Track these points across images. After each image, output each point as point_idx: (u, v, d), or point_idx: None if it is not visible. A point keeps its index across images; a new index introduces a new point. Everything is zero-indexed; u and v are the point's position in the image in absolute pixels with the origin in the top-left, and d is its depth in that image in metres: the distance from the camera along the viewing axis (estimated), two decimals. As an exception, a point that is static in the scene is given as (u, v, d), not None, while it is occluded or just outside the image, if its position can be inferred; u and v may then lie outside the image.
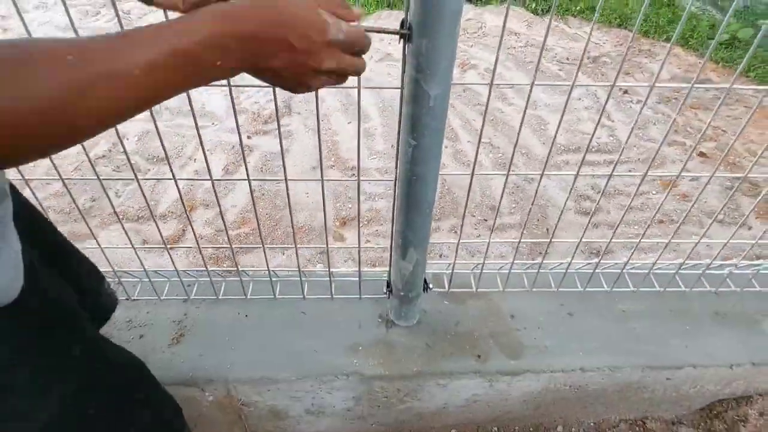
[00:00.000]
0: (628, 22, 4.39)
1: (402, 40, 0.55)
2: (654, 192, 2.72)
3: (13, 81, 0.32)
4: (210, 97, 3.35)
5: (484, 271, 0.95)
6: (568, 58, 3.99)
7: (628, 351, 0.89)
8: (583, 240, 2.52)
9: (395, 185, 0.71)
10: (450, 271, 0.96)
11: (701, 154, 2.97)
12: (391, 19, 4.66)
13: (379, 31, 0.54)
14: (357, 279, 0.99)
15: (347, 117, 3.21)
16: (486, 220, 2.52)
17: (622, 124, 3.23)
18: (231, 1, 0.43)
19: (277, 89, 0.52)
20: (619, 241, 2.18)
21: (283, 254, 2.27)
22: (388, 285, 0.95)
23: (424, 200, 0.70)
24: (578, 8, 4.60)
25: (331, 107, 3.30)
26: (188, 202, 2.50)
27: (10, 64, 0.32)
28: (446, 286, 0.98)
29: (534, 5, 4.65)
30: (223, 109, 3.23)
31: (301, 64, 0.44)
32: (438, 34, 0.53)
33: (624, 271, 0.95)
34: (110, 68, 0.35)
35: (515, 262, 0.92)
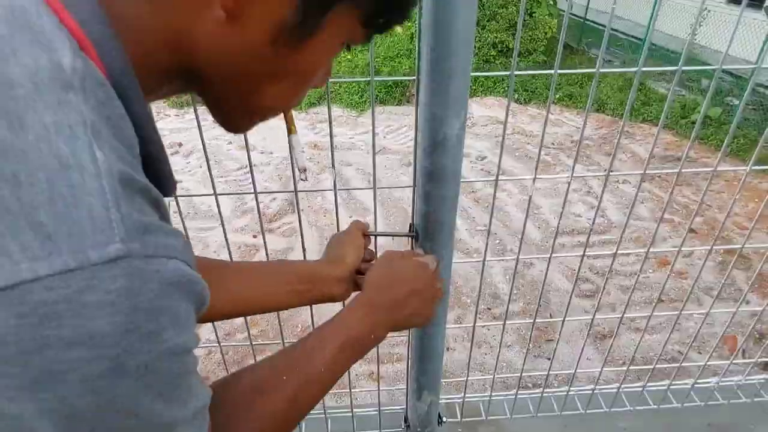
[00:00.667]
0: (604, 107, 4.72)
1: (411, 240, 0.66)
2: (650, 270, 2.80)
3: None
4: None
5: (492, 397, 0.98)
6: (553, 143, 4.24)
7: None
8: (586, 322, 2.54)
9: (409, 337, 0.79)
10: (461, 400, 0.98)
11: (691, 231, 3.09)
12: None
13: (390, 235, 0.65)
14: (377, 411, 1.03)
15: (348, 212, 3.35)
16: (489, 309, 2.56)
17: (611, 204, 3.38)
18: (369, 275, 0.56)
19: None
20: (618, 316, 2.21)
21: (292, 355, 2.28)
22: (406, 420, 0.98)
23: (435, 353, 0.78)
24: (558, 96, 4.96)
25: (333, 203, 3.46)
26: (197, 306, 2.55)
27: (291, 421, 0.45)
28: (458, 415, 1.01)
29: (516, 95, 5.01)
30: (230, 210, 3.38)
31: (427, 299, 0.57)
32: (438, 235, 0.64)
33: (620, 390, 0.97)
34: (308, 373, 0.47)
35: (520, 391, 0.96)
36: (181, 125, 4.67)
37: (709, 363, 2.03)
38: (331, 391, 0.51)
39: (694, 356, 2.24)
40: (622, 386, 0.93)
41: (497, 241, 3.07)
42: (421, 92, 0.53)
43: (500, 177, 0.74)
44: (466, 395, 1.00)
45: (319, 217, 3.29)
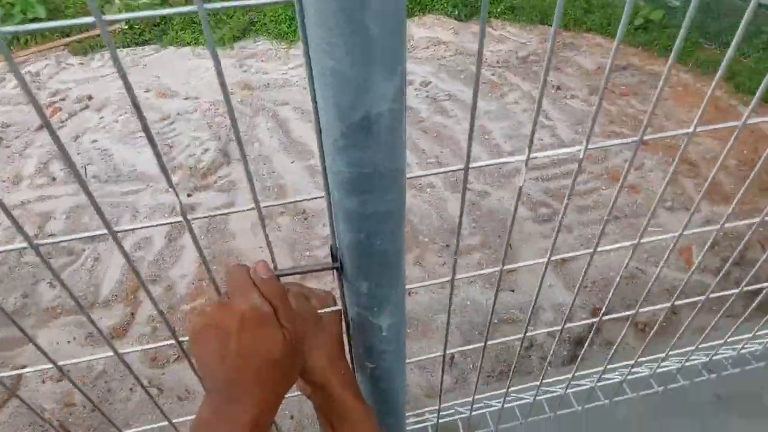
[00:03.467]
0: (548, 19, 4.51)
1: (335, 272, 0.46)
2: (603, 188, 2.77)
3: None
4: (139, 156, 3.15)
5: (474, 410, 0.83)
6: (498, 62, 4.04)
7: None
8: (546, 248, 2.51)
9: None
10: (435, 421, 0.82)
11: (642, 143, 3.06)
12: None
13: (306, 272, 0.45)
14: None
15: (290, 156, 3.09)
16: (448, 246, 2.47)
17: (561, 122, 3.28)
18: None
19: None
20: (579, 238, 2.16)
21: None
22: None
23: (394, 405, 0.62)
24: (499, 10, 4.68)
25: (271, 148, 3.17)
26: (133, 281, 2.31)
27: None
28: None
29: (456, 12, 4.69)
30: (156, 168, 3.03)
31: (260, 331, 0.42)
32: (380, 272, 0.44)
33: (625, 380, 0.84)
34: None
35: (507, 400, 0.80)
36: (87, 75, 4.09)
37: (665, 275, 2.02)
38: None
39: (652, 271, 2.26)
40: (627, 376, 0.81)
41: (452, 173, 2.93)
42: (312, 35, 0.29)
43: (473, 165, 0.56)
44: (441, 415, 0.86)
45: (258, 167, 3.02)
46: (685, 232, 0.63)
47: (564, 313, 2.09)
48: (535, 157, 0.45)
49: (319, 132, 0.35)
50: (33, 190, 2.85)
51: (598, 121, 3.24)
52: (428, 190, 2.81)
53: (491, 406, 0.91)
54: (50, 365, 0.48)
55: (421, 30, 4.50)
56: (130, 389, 1.89)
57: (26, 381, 1.94)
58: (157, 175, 2.98)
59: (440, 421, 0.84)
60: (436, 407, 0.82)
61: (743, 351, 0.81)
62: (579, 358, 0.82)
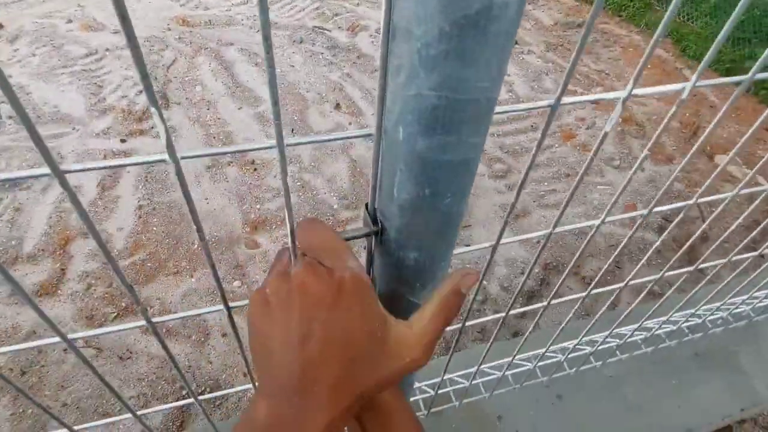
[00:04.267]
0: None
1: (371, 241, 0.36)
2: (556, 145, 2.80)
3: None
4: (63, 95, 2.82)
5: (457, 381, 0.79)
6: (456, 11, 3.91)
7: (623, 429, 0.83)
8: (501, 204, 2.52)
9: None
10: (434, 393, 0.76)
11: (593, 102, 3.10)
12: None
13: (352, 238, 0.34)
14: None
15: (236, 102, 2.88)
16: (404, 200, 2.42)
17: (518, 77, 3.26)
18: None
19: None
20: (531, 194, 2.20)
21: (192, 277, 2.01)
22: None
23: (410, 385, 0.55)
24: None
25: (216, 92, 2.94)
26: (62, 233, 2.11)
27: None
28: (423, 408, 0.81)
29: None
30: (84, 109, 2.73)
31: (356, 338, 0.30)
32: (435, 240, 0.35)
33: (615, 346, 0.83)
34: None
35: (490, 363, 0.76)
36: (-5, -2, 3.57)
37: (611, 231, 2.08)
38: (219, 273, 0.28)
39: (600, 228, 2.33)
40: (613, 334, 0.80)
41: (407, 126, 2.86)
42: None
43: None
44: (424, 392, 0.81)
45: (201, 112, 2.79)
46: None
47: (519, 267, 2.13)
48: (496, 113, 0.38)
49: (387, 32, 0.25)
50: (-66, 130, 2.49)
51: (552, 78, 3.25)
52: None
53: (519, 365, 0.88)
54: None
55: (376, -28, 4.25)
56: (64, 350, 1.75)
57: (-61, 344, 1.74)
58: (85, 117, 2.69)
59: (457, 387, 0.80)
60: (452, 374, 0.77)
61: (720, 313, 0.83)
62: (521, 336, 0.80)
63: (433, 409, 0.79)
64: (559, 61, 3.41)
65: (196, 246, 2.09)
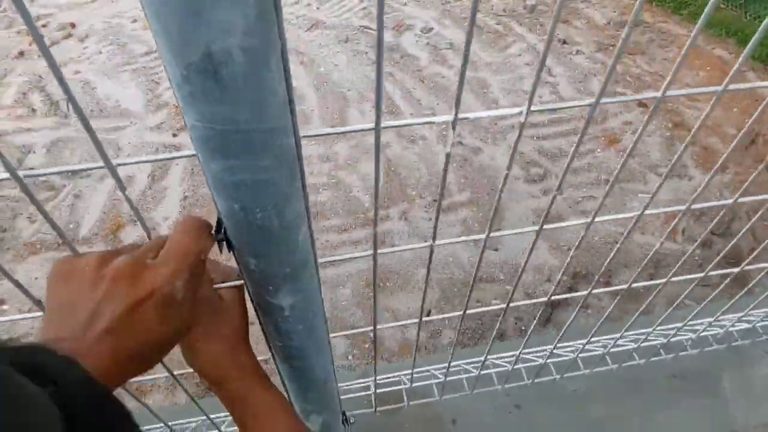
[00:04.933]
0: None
1: (221, 246, 0.40)
2: (599, 150, 2.71)
3: None
4: (124, 91, 3.03)
5: (416, 379, 0.79)
6: (505, 10, 3.84)
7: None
8: (533, 208, 2.48)
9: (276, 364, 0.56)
10: (372, 393, 0.78)
11: (641, 105, 2.97)
12: None
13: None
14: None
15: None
16: (435, 201, 2.43)
17: (564, 78, 3.16)
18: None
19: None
20: (568, 200, 2.14)
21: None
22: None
23: (315, 382, 0.57)
24: (510, -48, 4.40)
25: (261, 90, 3.05)
26: (114, 220, 2.29)
27: None
28: (373, 404, 0.82)
29: (465, -48, 4.41)
30: (142, 105, 2.93)
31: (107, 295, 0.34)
32: (266, 249, 0.39)
33: (577, 356, 0.81)
34: None
35: (453, 363, 0.77)
36: (71, 0, 3.88)
37: (649, 242, 2.00)
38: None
39: (636, 237, 2.25)
40: (579, 354, 0.79)
41: (443, 126, 2.85)
42: None
43: (462, 115, 0.50)
44: (379, 387, 0.82)
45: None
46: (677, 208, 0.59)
47: (545, 275, 2.09)
48: (531, 113, 0.40)
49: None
50: (11, 121, 2.76)
51: (600, 80, 3.12)
52: (420, 142, 2.74)
53: (469, 372, 0.89)
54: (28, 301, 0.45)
55: (426, -30, 4.24)
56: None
57: (5, 313, 1.95)
58: (142, 111, 2.88)
59: (413, 385, 0.82)
60: (410, 371, 0.79)
61: (703, 334, 0.80)
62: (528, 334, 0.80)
63: (380, 408, 0.80)
64: (610, 61, 3.27)
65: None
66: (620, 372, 0.80)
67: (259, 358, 0.45)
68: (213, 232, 0.37)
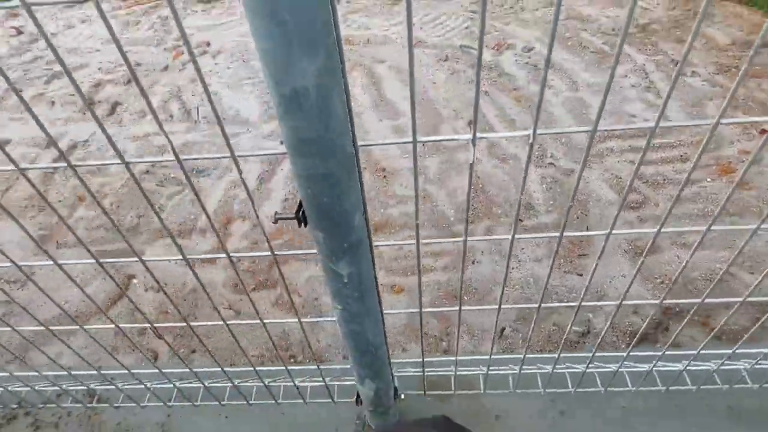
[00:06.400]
0: (682, -19, 4.00)
1: (299, 222, 0.53)
2: (709, 179, 2.52)
3: None
4: (244, 102, 3.41)
5: (461, 370, 0.86)
6: (614, 29, 3.71)
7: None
8: (625, 236, 2.38)
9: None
10: (422, 374, 0.85)
11: (763, 132, 2.70)
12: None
13: (283, 219, 0.52)
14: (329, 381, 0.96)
15: (379, 114, 3.16)
16: (521, 221, 2.43)
17: (675, 101, 2.98)
18: None
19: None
20: (666, 231, 2.06)
21: (316, 265, 2.31)
22: (358, 396, 0.90)
23: (368, 346, 0.68)
24: (626, -31, 4.23)
25: (363, 105, 3.26)
26: (226, 215, 2.59)
27: None
28: (423, 388, 0.89)
29: (576, -29, 4.32)
30: (257, 115, 3.27)
31: None
32: (335, 220, 0.51)
33: (621, 369, 0.80)
34: None
35: (494, 356, 0.81)
36: (208, 22, 4.43)
37: (753, 280, 1.87)
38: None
39: (744, 276, 2.06)
40: (623, 364, 0.80)
41: (537, 146, 2.83)
42: (251, 21, 0.38)
43: (541, 131, 0.57)
44: (429, 370, 0.89)
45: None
46: None
47: (631, 306, 2.00)
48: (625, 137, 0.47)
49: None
50: (154, 125, 3.23)
51: (716, 104, 2.90)
52: (510, 161, 2.75)
53: (542, 368, 0.92)
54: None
55: (533, -10, 4.23)
56: (213, 308, 2.16)
57: (134, 287, 2.30)
58: (257, 121, 3.22)
59: (490, 371, 0.88)
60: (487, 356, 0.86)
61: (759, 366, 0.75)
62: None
63: (430, 392, 0.86)
64: (730, 85, 3.02)
65: (324, 239, 2.39)
66: (673, 394, 0.79)
67: (328, 319, 0.57)
68: (294, 212, 0.50)
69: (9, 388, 1.26)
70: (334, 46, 0.36)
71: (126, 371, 1.11)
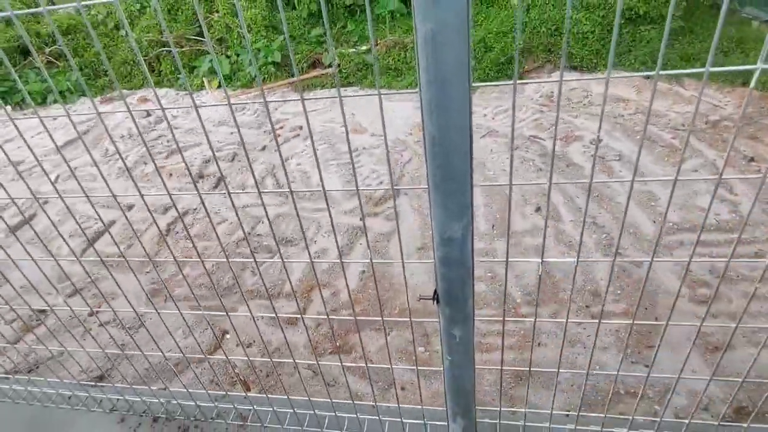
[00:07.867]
0: (752, 79, 4.09)
1: (434, 302, 0.77)
2: (786, 278, 2.49)
3: None
4: (329, 179, 3.82)
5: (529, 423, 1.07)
6: (683, 124, 3.83)
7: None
8: (700, 333, 2.39)
9: (444, 374, 0.91)
10: (497, 422, 1.09)
11: None
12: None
13: (427, 298, 0.76)
14: (422, 422, 1.17)
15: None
16: (588, 307, 2.51)
17: (747, 198, 3.01)
18: None
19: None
20: (742, 328, 2.07)
21: (388, 335, 2.49)
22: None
23: (463, 390, 0.91)
24: (695, 68, 4.40)
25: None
26: (309, 283, 2.87)
27: None
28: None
29: (644, 68, 4.55)
30: (341, 193, 3.65)
31: None
32: (456, 302, 0.74)
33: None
34: None
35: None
36: (301, 109, 5.05)
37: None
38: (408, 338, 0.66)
39: (826, 382, 1.99)
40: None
41: (604, 235, 2.94)
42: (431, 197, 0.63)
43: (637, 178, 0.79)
44: (503, 420, 1.08)
45: (422, 202, 3.42)
46: None
47: (701, 402, 1.99)
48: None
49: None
50: (251, 198, 3.69)
51: (795, 203, 2.89)
52: (576, 248, 2.86)
53: None
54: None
55: (602, 87, 4.48)
56: (294, 367, 2.39)
57: (226, 342, 2.59)
58: (339, 198, 3.59)
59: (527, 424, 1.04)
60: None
61: None
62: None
63: None
64: (808, 184, 3.01)
65: (396, 311, 2.59)
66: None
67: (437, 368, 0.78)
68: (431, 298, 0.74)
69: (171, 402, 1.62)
70: (469, 217, 0.61)
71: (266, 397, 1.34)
